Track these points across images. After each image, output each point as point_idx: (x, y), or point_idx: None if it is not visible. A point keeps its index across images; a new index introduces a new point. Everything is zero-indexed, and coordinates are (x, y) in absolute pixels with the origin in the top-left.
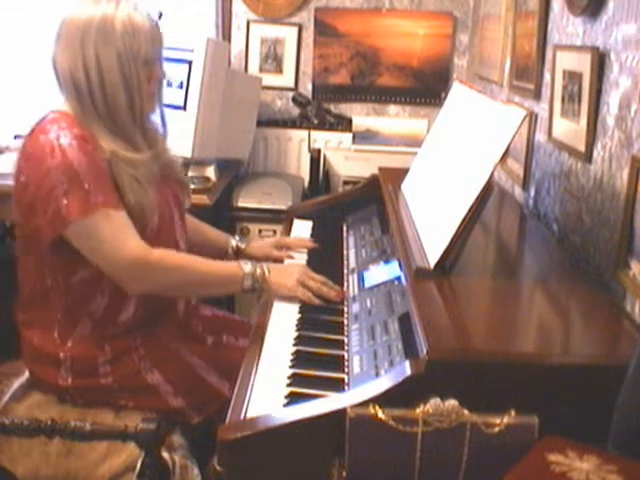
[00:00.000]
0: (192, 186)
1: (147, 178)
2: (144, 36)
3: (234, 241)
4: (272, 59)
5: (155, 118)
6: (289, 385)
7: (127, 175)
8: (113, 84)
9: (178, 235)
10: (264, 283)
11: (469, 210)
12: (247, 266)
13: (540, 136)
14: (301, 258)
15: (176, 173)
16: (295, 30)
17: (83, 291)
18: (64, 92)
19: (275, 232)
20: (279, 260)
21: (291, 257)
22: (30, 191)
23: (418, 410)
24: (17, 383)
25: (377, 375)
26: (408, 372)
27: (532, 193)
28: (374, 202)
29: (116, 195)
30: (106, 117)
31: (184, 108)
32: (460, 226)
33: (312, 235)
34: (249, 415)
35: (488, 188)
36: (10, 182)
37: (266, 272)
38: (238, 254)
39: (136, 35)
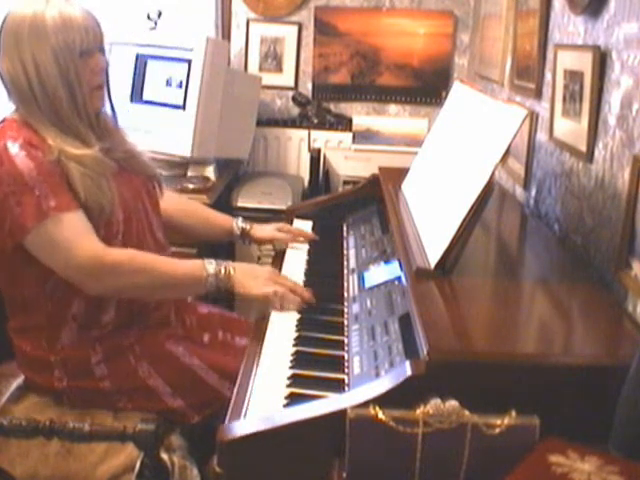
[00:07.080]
0: (191, 186)
1: (99, 173)
2: (77, 28)
3: (240, 223)
4: (272, 58)
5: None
6: (289, 386)
7: (78, 172)
8: (51, 80)
9: (155, 227)
10: (229, 283)
11: (470, 210)
12: (211, 266)
13: (541, 136)
14: (301, 256)
15: (141, 165)
16: (295, 29)
17: (61, 296)
18: (11, 97)
19: None
20: (282, 242)
21: (292, 243)
22: None
23: (418, 411)
24: (15, 384)
25: (377, 376)
26: (408, 373)
27: (533, 193)
28: (374, 202)
29: (68, 196)
30: (51, 115)
31: (183, 107)
32: (461, 226)
33: None
34: (249, 416)
35: (489, 188)
36: None
37: (231, 271)
38: (244, 236)
39: (68, 28)
